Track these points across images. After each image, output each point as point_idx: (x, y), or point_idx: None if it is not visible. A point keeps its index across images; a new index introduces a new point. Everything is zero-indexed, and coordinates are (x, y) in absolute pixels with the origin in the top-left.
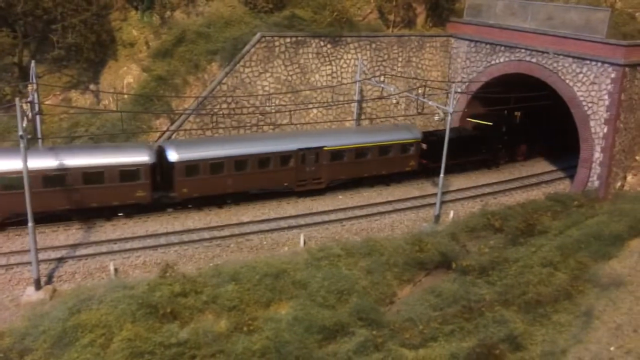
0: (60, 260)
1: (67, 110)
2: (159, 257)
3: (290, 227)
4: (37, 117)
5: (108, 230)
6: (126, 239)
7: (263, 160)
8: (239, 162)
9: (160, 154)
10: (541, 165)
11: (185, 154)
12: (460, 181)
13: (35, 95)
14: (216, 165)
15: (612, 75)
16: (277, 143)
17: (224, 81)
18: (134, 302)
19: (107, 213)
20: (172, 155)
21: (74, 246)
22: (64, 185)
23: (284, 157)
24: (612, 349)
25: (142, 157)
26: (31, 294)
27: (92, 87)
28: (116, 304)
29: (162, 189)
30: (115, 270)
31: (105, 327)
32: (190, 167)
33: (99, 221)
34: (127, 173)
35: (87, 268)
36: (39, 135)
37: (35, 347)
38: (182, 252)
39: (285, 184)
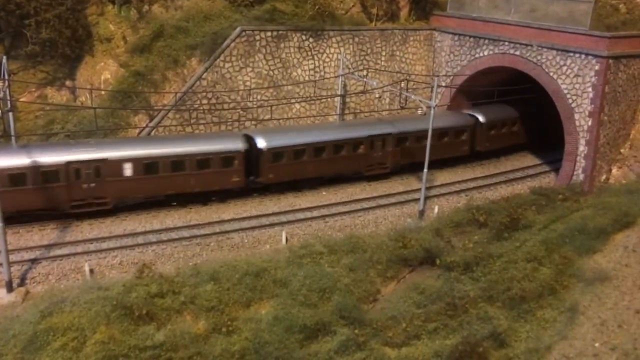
0: (34, 261)
1: (42, 107)
2: (136, 256)
3: (272, 225)
4: (10, 114)
5: (84, 229)
6: (103, 239)
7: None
8: None
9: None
10: (527, 159)
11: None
12: (444, 176)
13: (7, 92)
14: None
15: (596, 68)
16: None
17: (203, 76)
18: (108, 304)
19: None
20: None
21: (49, 247)
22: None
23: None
24: (596, 345)
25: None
26: (2, 296)
27: (68, 83)
28: (90, 305)
29: None
30: (91, 271)
31: (78, 330)
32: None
33: (76, 220)
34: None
35: (61, 269)
36: (12, 133)
37: (5, 352)
38: (160, 252)
39: None
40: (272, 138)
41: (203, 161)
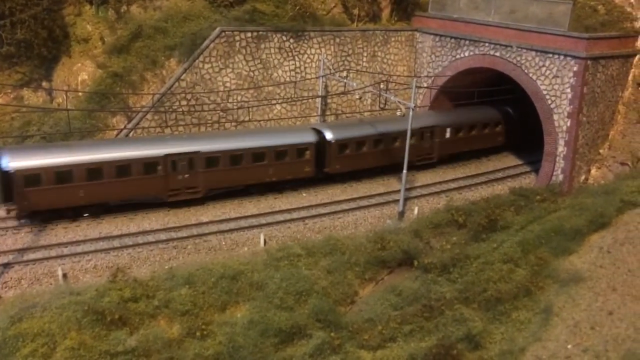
0: (7, 265)
1: (19, 109)
2: (111, 260)
3: (250, 227)
4: None
5: (59, 233)
6: (77, 242)
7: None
8: None
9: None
10: (508, 159)
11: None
12: (426, 177)
13: None
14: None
15: (575, 69)
16: None
17: (182, 77)
18: (80, 309)
19: None
20: None
21: (22, 250)
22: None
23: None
24: (569, 346)
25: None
26: None
27: (45, 84)
28: (61, 311)
29: None
30: (64, 275)
31: (48, 335)
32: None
33: (51, 224)
34: None
35: (34, 273)
36: None
37: None
38: (136, 255)
39: None
40: (516, 108)
41: (480, 126)
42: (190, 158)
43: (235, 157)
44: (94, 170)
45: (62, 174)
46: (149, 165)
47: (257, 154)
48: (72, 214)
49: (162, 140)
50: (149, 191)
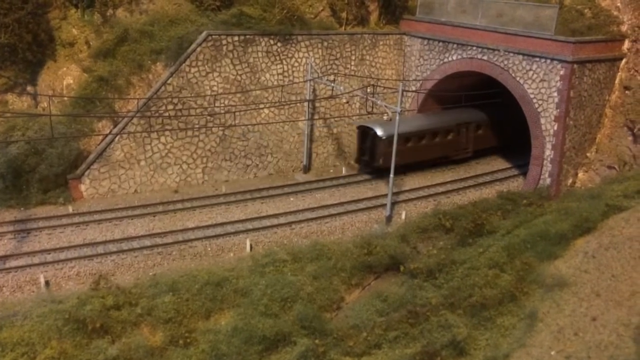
0: None
1: (2, 114)
2: (94, 267)
3: (237, 232)
4: None
5: (43, 239)
6: (61, 249)
7: None
8: None
9: None
10: (497, 163)
11: None
12: (414, 180)
13: None
14: None
15: (561, 72)
16: None
17: (169, 81)
18: (61, 317)
19: None
20: None
21: (4, 258)
22: None
23: None
24: (552, 353)
25: None
26: None
27: (29, 89)
28: (42, 319)
29: None
30: (47, 282)
31: (28, 345)
32: None
33: (35, 230)
34: None
35: (16, 281)
36: None
37: None
38: (120, 262)
39: None
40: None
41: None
42: (467, 126)
43: (487, 125)
44: (420, 136)
45: (407, 140)
46: (448, 131)
47: (498, 123)
48: (402, 170)
49: (452, 112)
50: (445, 151)
